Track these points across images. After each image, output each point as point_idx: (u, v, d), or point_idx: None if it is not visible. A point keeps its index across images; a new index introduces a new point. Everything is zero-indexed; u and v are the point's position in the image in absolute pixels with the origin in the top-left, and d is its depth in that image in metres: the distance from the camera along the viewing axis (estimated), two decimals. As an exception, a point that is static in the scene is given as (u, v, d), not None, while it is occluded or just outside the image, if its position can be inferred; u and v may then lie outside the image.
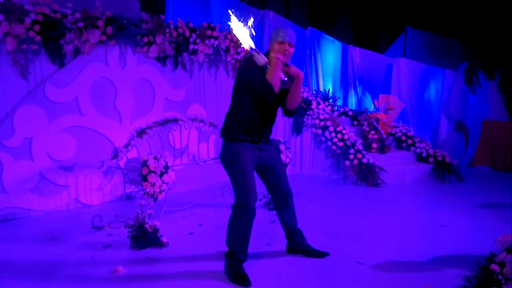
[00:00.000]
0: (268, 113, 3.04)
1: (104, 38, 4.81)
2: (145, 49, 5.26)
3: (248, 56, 2.92)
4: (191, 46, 5.71)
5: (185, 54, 5.76)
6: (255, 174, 3.08)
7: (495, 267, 2.72)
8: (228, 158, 3.00)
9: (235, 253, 2.97)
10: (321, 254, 3.39)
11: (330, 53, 9.02)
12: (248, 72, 2.87)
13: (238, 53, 6.31)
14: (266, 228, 4.08)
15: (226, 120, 3.06)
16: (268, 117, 3.05)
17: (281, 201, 3.27)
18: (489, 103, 8.69)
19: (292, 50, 2.92)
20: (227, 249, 3.05)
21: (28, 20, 4.26)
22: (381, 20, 12.76)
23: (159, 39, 5.29)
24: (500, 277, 2.65)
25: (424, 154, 7.02)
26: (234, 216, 2.98)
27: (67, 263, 3.20)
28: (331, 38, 9.06)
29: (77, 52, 4.74)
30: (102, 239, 3.72)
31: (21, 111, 4.36)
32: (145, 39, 5.21)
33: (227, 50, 6.20)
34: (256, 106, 2.95)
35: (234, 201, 2.96)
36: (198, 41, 5.74)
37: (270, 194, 3.32)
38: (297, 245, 3.40)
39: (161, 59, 5.52)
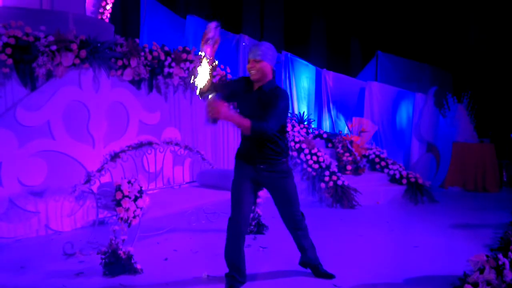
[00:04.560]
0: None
1: (77, 61, 4.76)
2: (119, 72, 5.23)
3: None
4: (166, 70, 5.70)
5: (160, 77, 5.74)
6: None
7: (468, 287, 2.76)
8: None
9: (232, 272, 3.16)
10: (329, 276, 3.47)
11: (304, 77, 9.17)
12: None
13: (213, 77, 6.32)
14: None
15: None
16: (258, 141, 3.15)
17: (289, 227, 3.44)
18: (459, 126, 8.91)
19: (257, 65, 3.13)
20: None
21: (-1, 43, 4.21)
22: (353, 44, 13.11)
23: (133, 62, 5.26)
24: (473, 298, 2.69)
25: (398, 176, 7.13)
26: (227, 229, 3.19)
27: (36, 293, 3.09)
28: (305, 62, 9.22)
29: (49, 75, 4.67)
30: (73, 267, 3.61)
31: (-10, 135, 4.26)
32: (120, 63, 5.17)
33: (202, 73, 6.20)
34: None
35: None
36: (173, 64, 5.74)
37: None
38: (309, 261, 3.53)
39: (136, 82, 5.48)
